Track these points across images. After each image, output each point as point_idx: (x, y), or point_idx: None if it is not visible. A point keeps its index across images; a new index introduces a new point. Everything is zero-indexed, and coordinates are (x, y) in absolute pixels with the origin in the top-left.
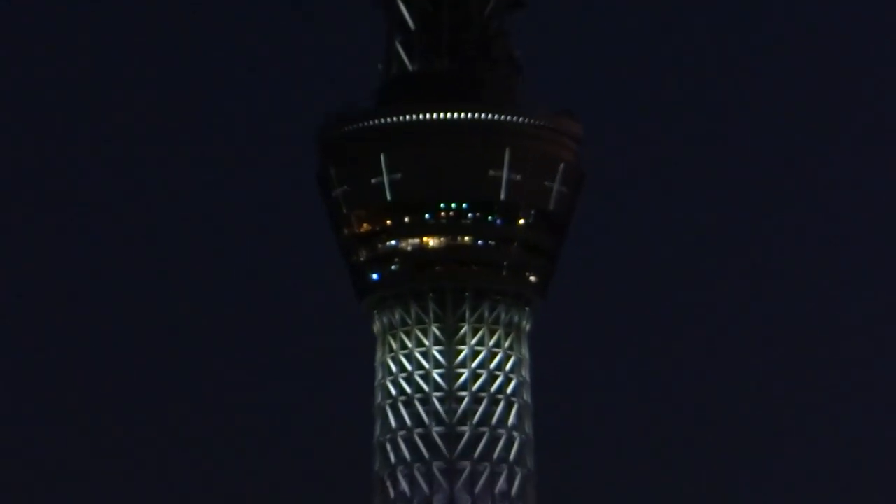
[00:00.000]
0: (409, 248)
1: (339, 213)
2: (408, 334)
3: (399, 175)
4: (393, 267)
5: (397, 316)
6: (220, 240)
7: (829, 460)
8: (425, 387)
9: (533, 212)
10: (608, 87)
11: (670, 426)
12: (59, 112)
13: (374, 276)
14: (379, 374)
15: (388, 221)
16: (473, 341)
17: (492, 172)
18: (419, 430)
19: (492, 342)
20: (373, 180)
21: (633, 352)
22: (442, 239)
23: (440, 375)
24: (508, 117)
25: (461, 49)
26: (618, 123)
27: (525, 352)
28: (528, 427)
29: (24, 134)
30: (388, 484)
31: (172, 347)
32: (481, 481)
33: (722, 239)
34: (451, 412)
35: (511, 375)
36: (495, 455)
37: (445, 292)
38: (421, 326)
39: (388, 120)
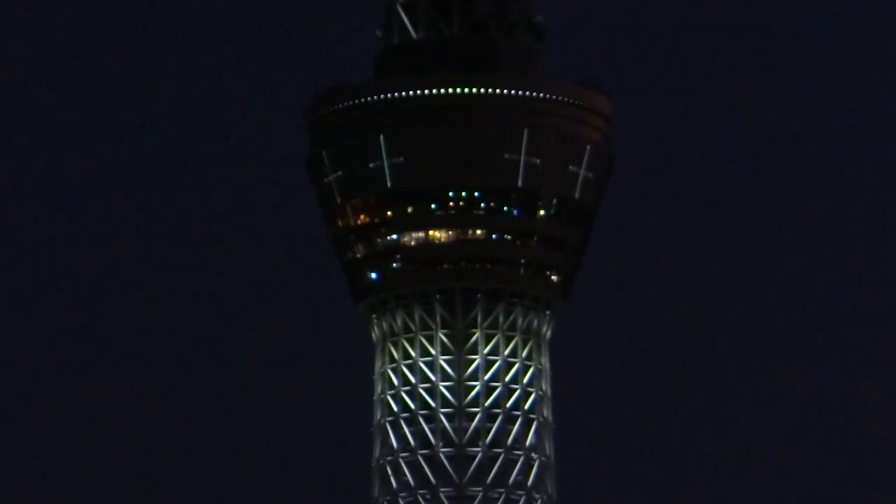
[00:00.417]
0: (412, 243)
1: (332, 202)
2: (411, 342)
3: (401, 159)
4: (394, 265)
5: (399, 321)
6: (197, 234)
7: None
8: (431, 402)
9: (555, 201)
10: (641, 58)
11: (712, 447)
12: (43, 94)
13: (373, 276)
14: (378, 388)
15: (389, 212)
16: (486, 350)
17: (508, 156)
18: (424, 451)
19: (507, 351)
20: (371, 165)
21: (668, 362)
22: (450, 232)
23: (448, 389)
24: (527, 92)
25: (473, 13)
26: (652, 99)
27: (545, 362)
28: (548, 448)
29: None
30: None
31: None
32: None
33: (771, 229)
34: (460, 431)
35: (529, 389)
36: (511, 480)
37: (454, 293)
38: (426, 333)
39: (389, 95)
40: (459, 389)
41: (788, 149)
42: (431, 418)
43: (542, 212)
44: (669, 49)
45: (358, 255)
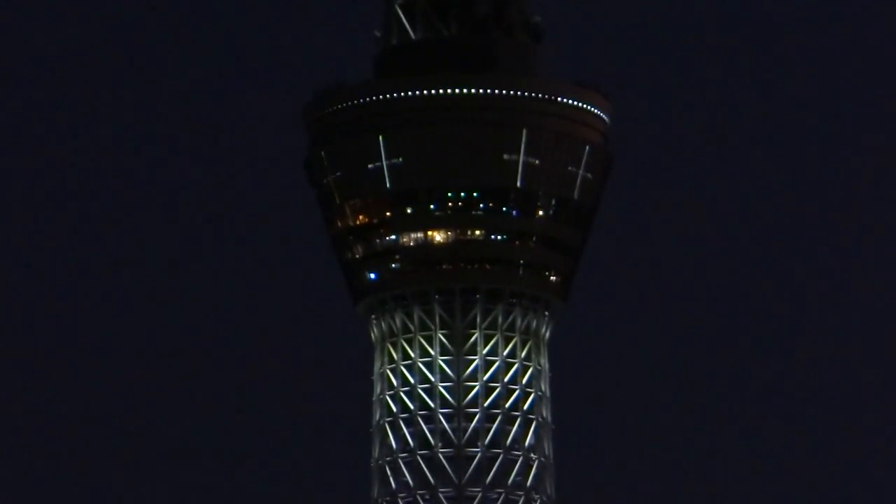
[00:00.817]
0: (411, 244)
1: (331, 203)
2: (410, 342)
3: (400, 159)
4: (393, 265)
5: (398, 321)
6: (196, 234)
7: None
8: (430, 402)
9: (554, 201)
10: (639, 58)
11: (712, 447)
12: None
13: (372, 276)
14: (377, 388)
15: (388, 213)
16: (485, 350)
17: (506, 156)
18: (423, 452)
19: (506, 351)
20: (370, 166)
21: (667, 362)
22: (449, 233)
23: (447, 390)
24: (526, 92)
25: (472, 13)
26: (650, 100)
27: (544, 362)
28: (547, 448)
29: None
30: None
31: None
32: None
33: (770, 229)
34: (459, 432)
35: (528, 389)
36: (510, 481)
37: (453, 294)
38: (425, 333)
39: (387, 96)
40: (458, 390)
41: (788, 149)
42: (430, 419)
43: (540, 212)
44: (668, 49)
45: (357, 256)
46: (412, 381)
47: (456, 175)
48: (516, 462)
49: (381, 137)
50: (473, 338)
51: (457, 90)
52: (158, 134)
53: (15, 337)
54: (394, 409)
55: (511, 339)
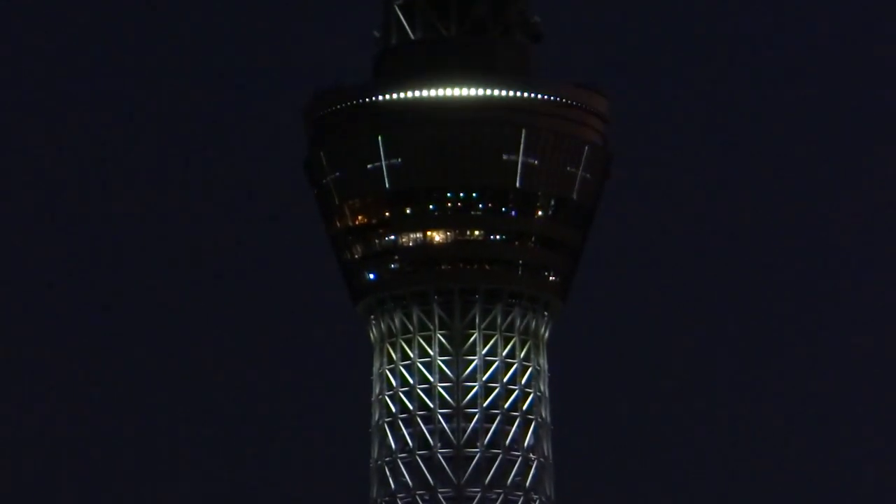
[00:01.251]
0: (410, 244)
1: (330, 203)
2: (409, 343)
3: (399, 160)
4: (392, 265)
5: (397, 321)
6: (195, 235)
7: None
8: (429, 403)
9: (553, 202)
10: (638, 58)
11: (711, 447)
12: (39, 96)
13: (371, 276)
14: (376, 389)
15: (387, 213)
16: (484, 351)
17: (506, 156)
18: (423, 452)
19: (505, 352)
20: (369, 166)
21: (667, 362)
22: (448, 233)
23: (446, 390)
24: (525, 93)
25: (471, 14)
26: (649, 100)
27: (543, 363)
28: (546, 449)
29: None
30: None
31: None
32: None
33: (769, 229)
34: (458, 432)
35: (527, 390)
36: (509, 481)
37: (452, 294)
38: (424, 333)
39: (387, 96)
40: (457, 390)
41: (788, 149)
42: (429, 419)
43: (539, 212)
44: (667, 49)
45: (356, 256)
46: (411, 381)
47: (455, 175)
48: (515, 462)
49: (380, 138)
50: (472, 338)
51: (456, 91)
52: (157, 134)
53: (7, 337)
54: (393, 409)
55: (510, 339)
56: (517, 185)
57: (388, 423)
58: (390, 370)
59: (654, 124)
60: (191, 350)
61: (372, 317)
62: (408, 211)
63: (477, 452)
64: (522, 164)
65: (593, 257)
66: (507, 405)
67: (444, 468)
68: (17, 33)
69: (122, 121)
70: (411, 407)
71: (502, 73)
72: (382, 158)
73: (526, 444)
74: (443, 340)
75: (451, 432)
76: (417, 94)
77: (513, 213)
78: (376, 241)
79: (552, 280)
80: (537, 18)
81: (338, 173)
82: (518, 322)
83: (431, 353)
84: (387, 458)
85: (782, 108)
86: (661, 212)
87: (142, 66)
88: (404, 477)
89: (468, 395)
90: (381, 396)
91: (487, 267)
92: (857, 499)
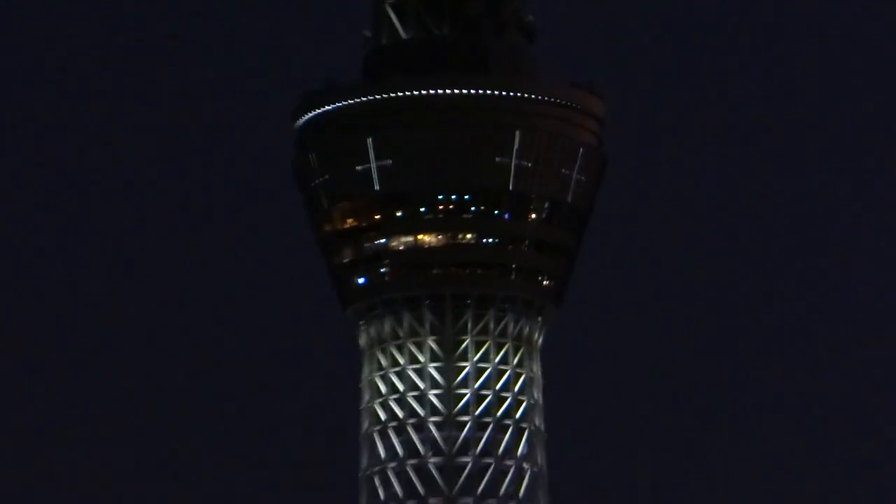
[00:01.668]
0: (401, 248)
1: (318, 206)
2: (400, 349)
3: (389, 161)
4: (382, 269)
5: (387, 327)
6: (179, 238)
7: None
8: (420, 410)
9: (547, 204)
10: (634, 58)
11: (707, 455)
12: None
13: (361, 281)
14: (366, 396)
15: (377, 216)
16: (477, 357)
17: (499, 158)
18: (413, 461)
19: (498, 358)
20: (358, 168)
21: (663, 369)
22: (440, 236)
23: (438, 397)
24: (519, 93)
25: (464, 13)
26: (645, 100)
27: (537, 369)
28: (540, 458)
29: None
30: None
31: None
32: None
33: (767, 232)
34: (450, 440)
35: (521, 397)
36: (502, 490)
37: (444, 299)
38: (415, 339)
39: (377, 97)
40: (449, 397)
41: (787, 149)
42: (420, 427)
43: (533, 215)
44: (663, 49)
45: (345, 260)
46: (401, 388)
47: (447, 177)
48: (508, 471)
49: (369, 139)
50: (464, 344)
51: (448, 91)
52: (143, 134)
53: (6, 337)
54: (382, 417)
55: (503, 345)
56: (511, 187)
57: (378, 431)
58: (380, 377)
59: (651, 125)
60: (175, 356)
61: (361, 322)
62: (398, 214)
63: (469, 461)
64: (516, 166)
65: (588, 261)
66: (499, 413)
67: (435, 477)
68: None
69: (102, 119)
70: (401, 415)
71: (496, 73)
72: (372, 160)
73: (519, 452)
74: (434, 346)
75: (443, 441)
76: (409, 94)
77: (506, 216)
78: (366, 244)
79: (546, 284)
80: (532, 17)
81: (327, 175)
82: (511, 327)
83: (422, 359)
84: (376, 468)
85: (782, 108)
86: (657, 214)
87: (127, 66)
88: (394, 486)
89: (460, 402)
90: (370, 404)
91: (480, 271)
92: (857, 499)
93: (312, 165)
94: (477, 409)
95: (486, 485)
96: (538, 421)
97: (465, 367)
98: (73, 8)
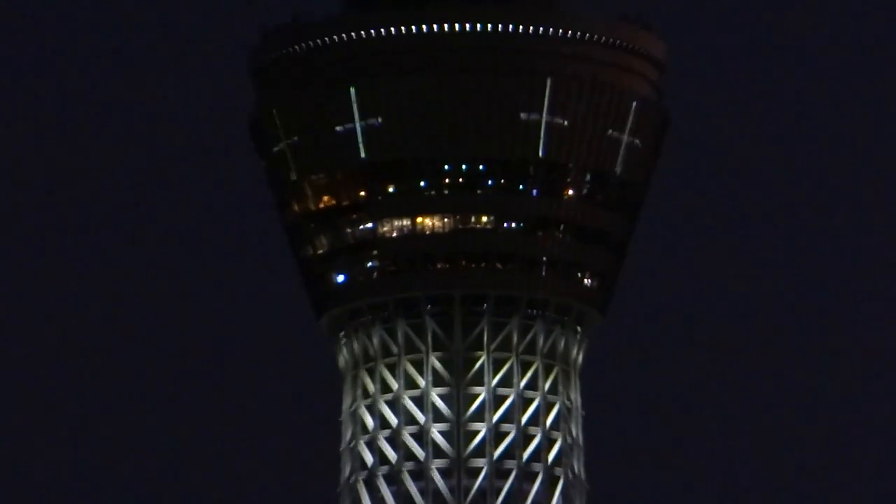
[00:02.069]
0: (394, 234)
1: (284, 179)
2: (392, 370)
3: (378, 120)
4: (369, 263)
5: (375, 340)
6: (120, 207)
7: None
8: (420, 452)
9: (589, 177)
10: None
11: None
12: None
13: (340, 279)
14: (347, 434)
15: (362, 192)
16: (495, 381)
17: (524, 115)
18: None
19: (524, 382)
20: (338, 129)
21: (736, 394)
22: (446, 220)
23: (443, 435)
24: (550, 29)
25: None
26: (717, 42)
27: (575, 397)
28: None
29: None
30: None
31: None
32: None
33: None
34: (459, 492)
35: (554, 434)
36: None
37: (452, 303)
38: (413, 357)
39: (361, 34)
40: (458, 435)
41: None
42: (420, 475)
43: (571, 192)
44: None
45: (320, 251)
46: (394, 422)
47: (455, 141)
48: None
49: (352, 90)
50: (479, 363)
51: (455, 26)
52: (67, 77)
53: (7, 337)
54: (369, 461)
55: (530, 364)
56: (540, 154)
57: (365, 480)
58: (367, 407)
59: (719, 74)
60: (146, 364)
61: (341, 334)
62: (391, 189)
63: None
64: (547, 125)
65: (643, 253)
66: (526, 455)
67: None
68: None
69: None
70: (394, 457)
71: (519, 4)
72: (356, 118)
73: None
74: (439, 366)
75: (450, 492)
76: (403, 31)
77: (534, 192)
78: (347, 230)
79: (588, 284)
80: None
81: (295, 138)
82: (541, 341)
83: (422, 383)
84: None
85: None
86: (733, 190)
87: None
88: None
89: (473, 441)
90: (353, 444)
91: (499, 266)
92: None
93: (276, 125)
94: (495, 450)
95: None
96: (577, 466)
97: (479, 395)
98: None
